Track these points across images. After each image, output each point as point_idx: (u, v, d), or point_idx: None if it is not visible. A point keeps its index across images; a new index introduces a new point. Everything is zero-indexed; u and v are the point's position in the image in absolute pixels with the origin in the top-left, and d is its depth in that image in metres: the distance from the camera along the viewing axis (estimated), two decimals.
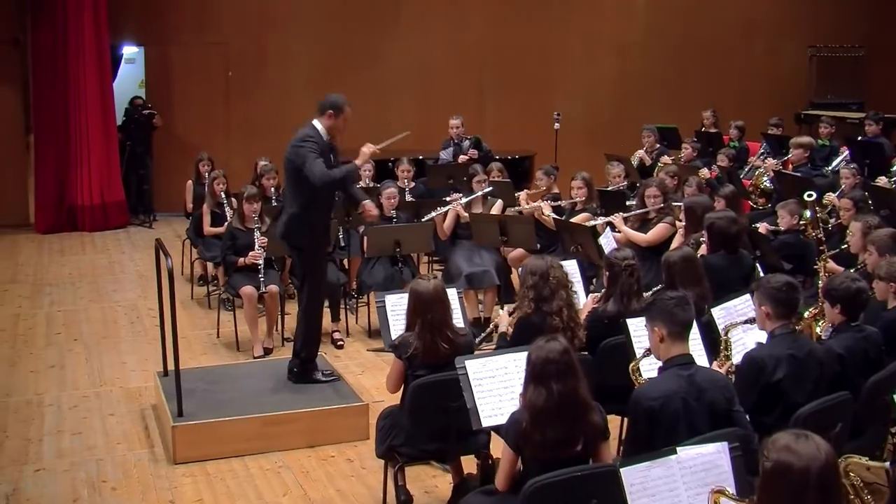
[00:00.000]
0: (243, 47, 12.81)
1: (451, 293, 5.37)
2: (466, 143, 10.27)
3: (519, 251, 8.03)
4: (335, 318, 7.66)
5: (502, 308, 5.21)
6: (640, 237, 7.23)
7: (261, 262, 7.30)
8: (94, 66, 11.64)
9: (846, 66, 14.21)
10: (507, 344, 4.86)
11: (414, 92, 13.32)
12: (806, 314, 5.79)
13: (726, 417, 3.87)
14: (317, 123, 5.91)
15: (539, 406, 3.57)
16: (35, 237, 11.52)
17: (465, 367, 4.26)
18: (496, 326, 5.13)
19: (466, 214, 7.87)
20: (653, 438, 3.77)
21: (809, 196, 6.44)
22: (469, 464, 4.90)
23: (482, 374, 4.26)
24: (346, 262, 8.32)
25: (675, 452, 3.31)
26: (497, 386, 4.26)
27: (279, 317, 7.54)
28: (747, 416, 4.25)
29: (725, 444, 3.41)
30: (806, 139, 9.21)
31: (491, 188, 8.16)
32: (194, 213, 9.12)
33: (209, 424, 5.59)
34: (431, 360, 4.56)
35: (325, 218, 6.21)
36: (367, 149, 6.04)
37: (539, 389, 3.58)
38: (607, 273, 5.17)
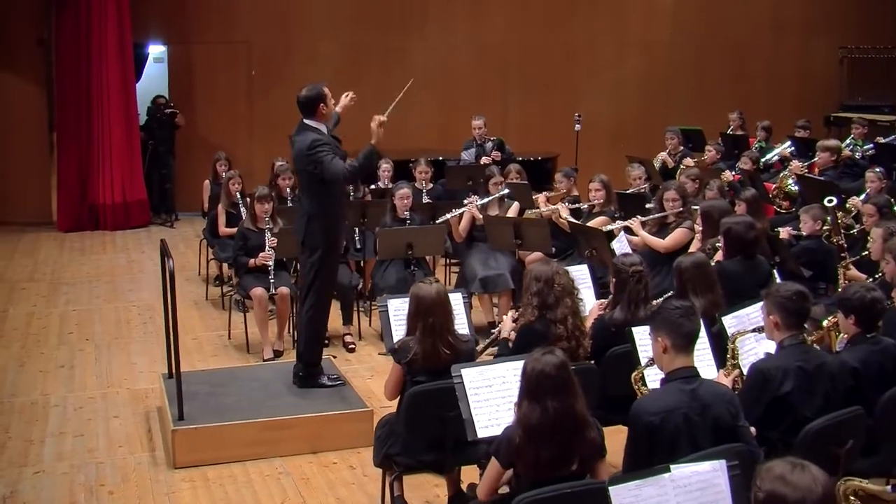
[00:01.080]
0: (267, 46, 12.77)
1: (455, 298, 5.28)
2: (489, 145, 10.13)
3: (536, 254, 7.87)
4: (347, 321, 7.56)
5: (507, 313, 5.06)
6: (658, 242, 7.05)
7: (271, 263, 7.23)
8: (117, 64, 11.66)
9: (878, 68, 13.86)
10: (509, 351, 4.72)
11: (437, 92, 13.19)
12: (825, 322, 5.60)
13: (731, 433, 3.71)
14: (313, 123, 5.81)
15: (533, 423, 3.43)
16: (57, 235, 11.56)
17: (461, 375, 4.14)
18: (500, 332, 4.99)
19: (482, 217, 7.74)
20: (653, 454, 3.62)
21: (830, 201, 6.23)
22: (472, 474, 4.78)
23: (479, 384, 4.14)
24: (361, 263, 8.25)
25: (669, 471, 3.16)
26: (494, 396, 4.14)
27: (290, 319, 7.46)
28: (752, 430, 4.10)
29: (723, 462, 3.25)
30: (833, 142, 8.95)
31: (507, 190, 8.03)
32: (210, 214, 9.08)
33: (210, 429, 5.51)
34: (432, 366, 4.45)
35: (341, 221, 6.15)
36: (376, 123, 5.83)
37: (534, 405, 3.45)
38: (614, 279, 5.01)
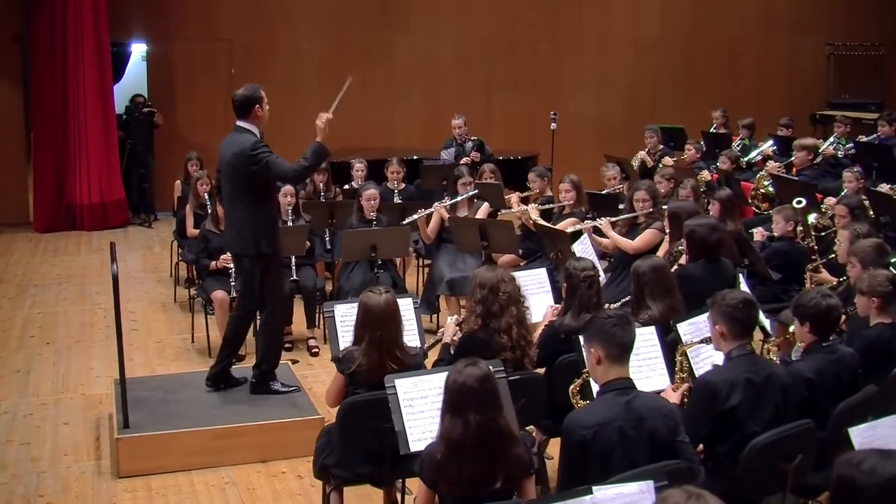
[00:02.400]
0: (248, 43, 12.61)
1: (405, 304, 5.12)
2: (470, 145, 9.96)
3: (509, 256, 7.73)
4: (311, 325, 7.40)
5: (451, 316, 4.89)
6: (627, 244, 6.88)
7: (231, 265, 7.07)
8: (94, 62, 11.50)
9: (865, 65, 13.64)
10: (451, 359, 4.55)
11: (421, 89, 13.06)
12: (792, 328, 5.42)
13: (669, 448, 3.54)
14: (247, 125, 5.63)
15: (455, 438, 3.27)
16: (33, 236, 11.42)
17: (394, 386, 3.98)
18: (443, 335, 4.82)
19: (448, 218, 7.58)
20: (586, 470, 3.45)
21: (798, 202, 6.06)
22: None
23: (413, 395, 3.98)
24: (332, 265, 8.10)
25: (591, 493, 2.99)
26: (429, 407, 3.96)
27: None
28: (700, 446, 3.94)
29: (651, 483, 3.07)
30: (810, 141, 8.75)
31: (476, 191, 7.87)
32: (178, 214, 8.93)
33: (155, 437, 5.36)
34: (376, 379, 4.24)
35: (278, 224, 5.99)
36: (322, 121, 5.69)
37: (455, 420, 3.28)
38: (565, 284, 4.84)
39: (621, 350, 3.53)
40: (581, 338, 4.31)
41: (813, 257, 6.30)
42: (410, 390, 3.98)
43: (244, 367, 6.32)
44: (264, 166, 5.49)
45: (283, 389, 5.91)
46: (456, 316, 4.81)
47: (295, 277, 7.24)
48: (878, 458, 2.45)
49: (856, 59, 13.61)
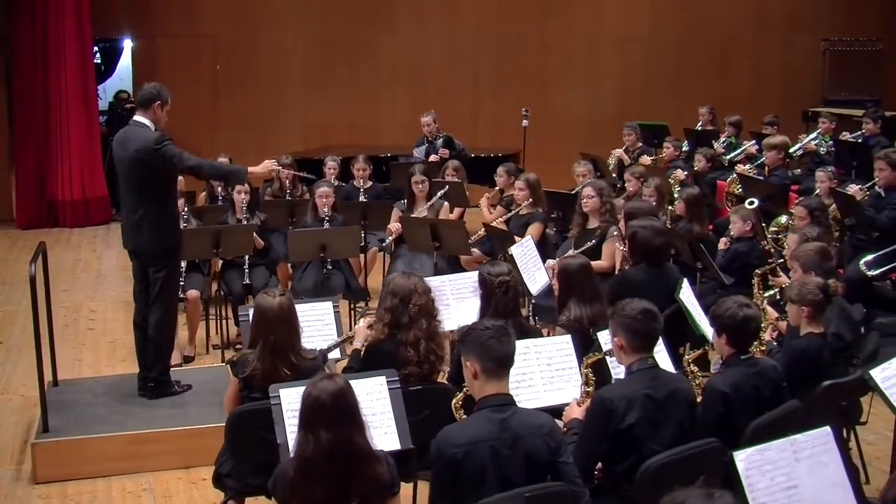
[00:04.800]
0: (233, 40, 12.52)
1: (324, 307, 4.99)
2: (440, 142, 9.80)
3: (476, 254, 7.55)
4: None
5: (363, 318, 4.73)
6: (597, 266, 6.51)
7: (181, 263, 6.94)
8: (76, 59, 11.45)
9: (862, 61, 13.25)
10: (360, 366, 4.38)
11: (408, 86, 12.88)
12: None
13: (549, 469, 3.34)
14: (146, 120, 5.51)
15: (306, 456, 3.09)
16: (14, 233, 11.39)
17: (278, 395, 3.82)
18: (350, 338, 4.65)
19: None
20: (458, 491, 3.28)
21: (751, 203, 5.83)
22: None
23: (298, 405, 3.80)
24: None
25: None
26: None
27: (203, 323, 7.19)
28: (599, 465, 3.74)
29: None
30: (779, 139, 8.45)
31: (446, 188, 7.70)
32: None
33: (72, 442, 5.24)
34: (269, 385, 4.11)
35: (179, 220, 5.94)
36: (268, 167, 5.92)
37: (308, 436, 3.11)
38: (481, 290, 4.65)
39: (497, 364, 3.34)
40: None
41: (770, 260, 6.07)
42: (296, 400, 3.79)
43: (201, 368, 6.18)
44: (173, 160, 5.40)
45: (181, 390, 5.82)
46: (368, 318, 4.63)
47: (247, 281, 7.10)
48: (700, 501, 2.23)
49: (852, 55, 13.23)
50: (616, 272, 6.04)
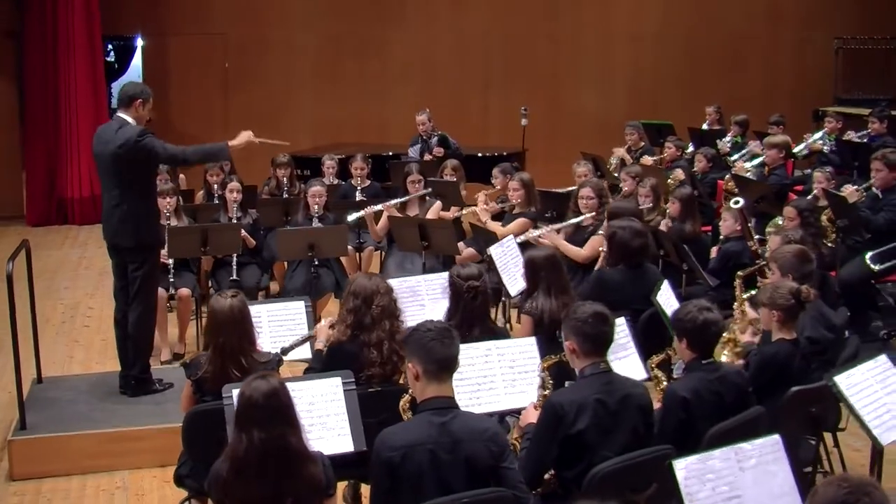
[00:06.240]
0: (243, 38, 12.56)
1: (296, 307, 4.97)
2: (434, 140, 9.77)
3: (469, 251, 7.51)
4: None
5: (325, 318, 4.70)
6: (576, 252, 6.52)
7: (170, 261, 6.97)
8: (86, 56, 11.54)
9: (875, 60, 12.99)
10: (322, 367, 4.36)
11: (417, 84, 12.85)
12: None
13: (492, 474, 3.30)
14: (127, 117, 5.53)
15: (239, 455, 3.08)
16: (24, 230, 11.48)
17: (231, 395, 3.80)
18: (311, 338, 4.62)
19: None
20: (397, 494, 3.25)
21: (736, 203, 5.74)
22: None
23: None
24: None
25: None
26: None
27: (195, 321, 7.21)
28: (551, 472, 3.68)
29: None
30: (780, 139, 8.32)
31: (429, 189, 7.66)
32: None
33: (48, 439, 5.26)
34: (220, 387, 4.10)
35: (159, 210, 6.03)
36: (247, 138, 5.87)
37: (241, 436, 3.10)
38: (449, 291, 4.61)
39: (439, 366, 3.30)
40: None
41: (757, 261, 5.97)
42: None
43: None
44: (155, 149, 5.45)
45: (161, 388, 5.82)
46: (330, 318, 4.61)
47: (235, 277, 7.12)
48: None
49: (865, 54, 12.98)
50: (596, 268, 5.98)
